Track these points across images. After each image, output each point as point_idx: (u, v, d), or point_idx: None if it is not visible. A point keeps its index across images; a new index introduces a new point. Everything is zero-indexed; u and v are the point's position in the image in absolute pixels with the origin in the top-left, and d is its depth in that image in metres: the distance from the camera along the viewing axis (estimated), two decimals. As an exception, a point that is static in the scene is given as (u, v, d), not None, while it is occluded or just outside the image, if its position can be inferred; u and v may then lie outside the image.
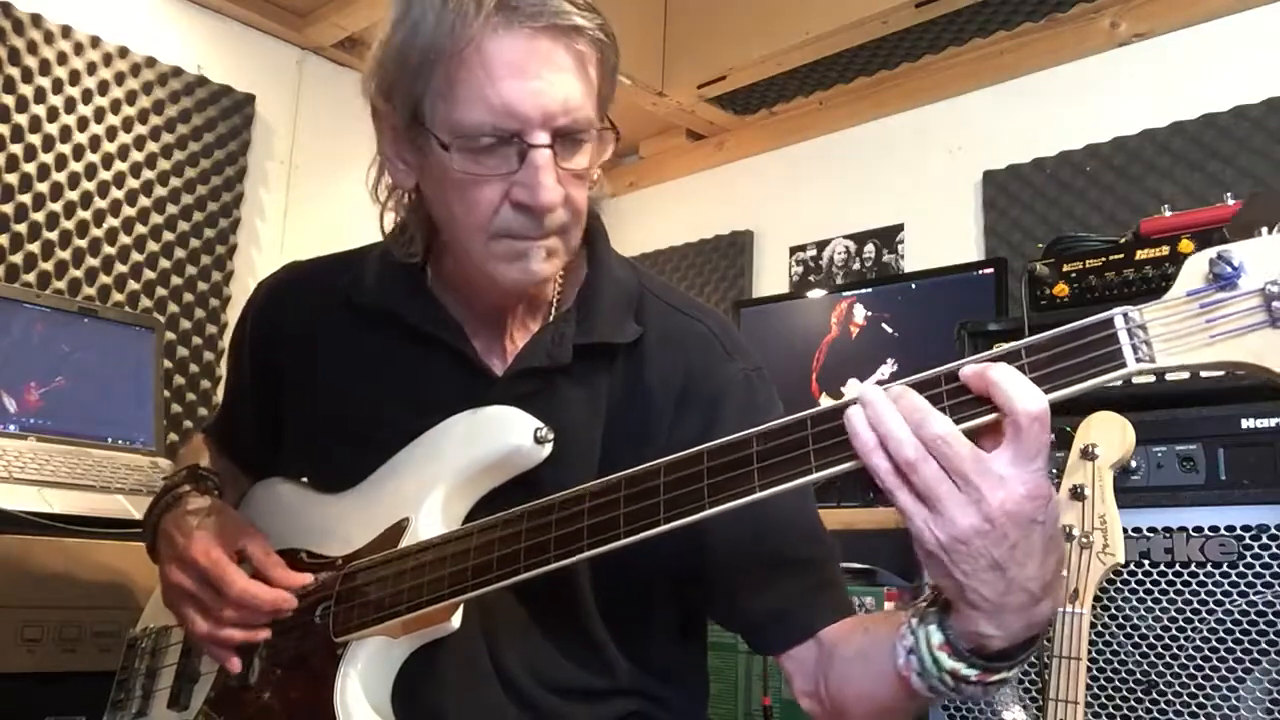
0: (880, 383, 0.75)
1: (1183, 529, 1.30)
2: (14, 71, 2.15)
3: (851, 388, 0.75)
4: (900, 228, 2.59)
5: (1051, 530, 0.73)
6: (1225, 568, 1.26)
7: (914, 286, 2.28)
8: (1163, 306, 0.69)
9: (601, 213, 1.08)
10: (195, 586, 1.01)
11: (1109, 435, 1.27)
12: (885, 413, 0.73)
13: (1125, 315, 0.70)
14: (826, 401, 0.80)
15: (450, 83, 0.88)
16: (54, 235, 2.18)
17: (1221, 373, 1.21)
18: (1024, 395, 0.70)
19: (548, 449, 0.95)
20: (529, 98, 0.87)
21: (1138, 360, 0.69)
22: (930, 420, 0.71)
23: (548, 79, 0.87)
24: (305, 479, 1.14)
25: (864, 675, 0.89)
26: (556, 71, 0.87)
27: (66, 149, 2.22)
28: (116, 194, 2.29)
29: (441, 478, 0.97)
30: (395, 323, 1.05)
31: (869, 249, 2.65)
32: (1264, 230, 1.27)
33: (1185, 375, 0.67)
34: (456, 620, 0.92)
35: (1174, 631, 1.29)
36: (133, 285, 2.31)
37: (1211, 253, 0.69)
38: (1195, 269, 0.70)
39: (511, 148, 0.89)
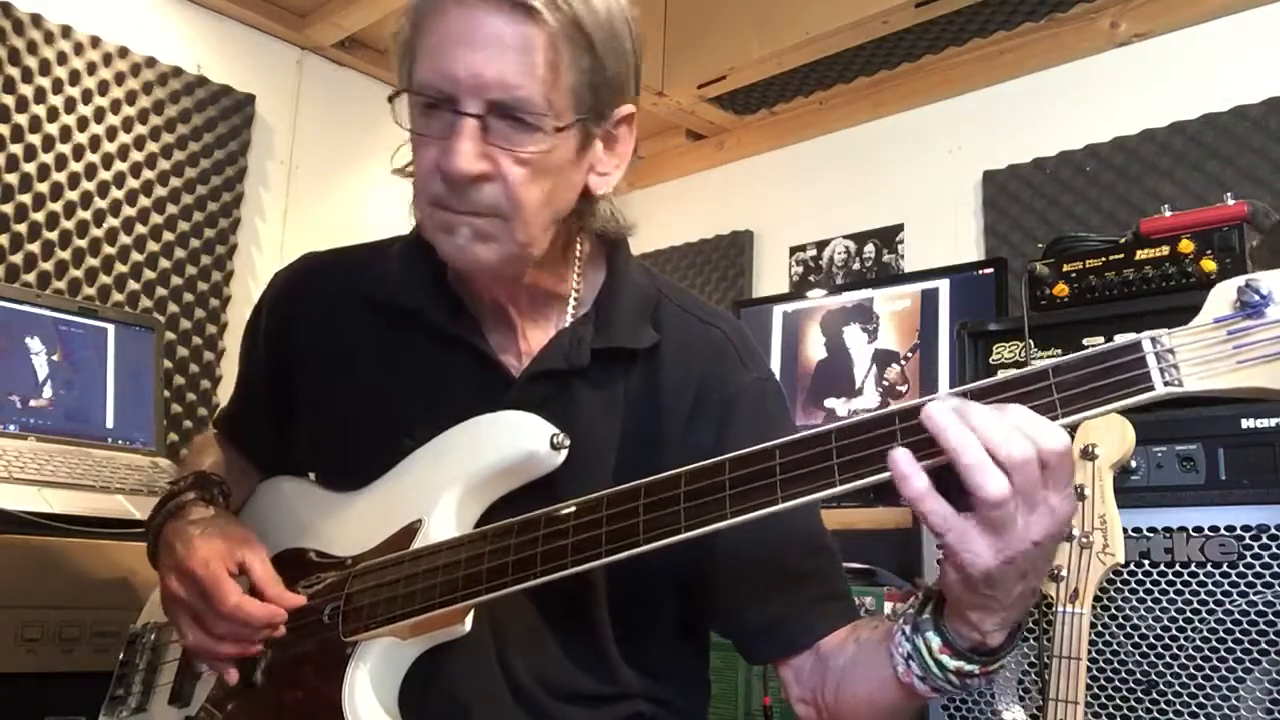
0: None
1: (1183, 529, 1.30)
2: (14, 71, 2.15)
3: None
4: (900, 228, 2.59)
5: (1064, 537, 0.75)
6: (1225, 568, 1.26)
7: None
8: (1190, 332, 0.70)
9: (624, 223, 1.07)
10: (191, 598, 1.00)
11: (1109, 435, 1.27)
12: (996, 433, 0.70)
13: (1153, 339, 0.70)
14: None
15: (419, 47, 0.92)
16: (54, 235, 2.18)
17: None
18: (1048, 437, 0.70)
19: (563, 455, 0.95)
20: (464, 65, 0.88)
21: (1166, 384, 0.69)
22: (1014, 443, 0.69)
23: (486, 51, 0.87)
24: (314, 476, 1.13)
25: (862, 683, 0.90)
26: (498, 46, 0.87)
27: (66, 149, 2.22)
28: (116, 194, 2.29)
29: (456, 481, 0.97)
30: (415, 320, 1.05)
31: (869, 249, 2.64)
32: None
33: (1207, 394, 0.68)
34: (468, 623, 0.92)
35: (1174, 631, 1.29)
36: (133, 285, 2.31)
37: (1240, 281, 0.70)
38: (1223, 296, 0.70)
39: (448, 113, 0.90)
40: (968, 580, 0.74)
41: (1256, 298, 0.69)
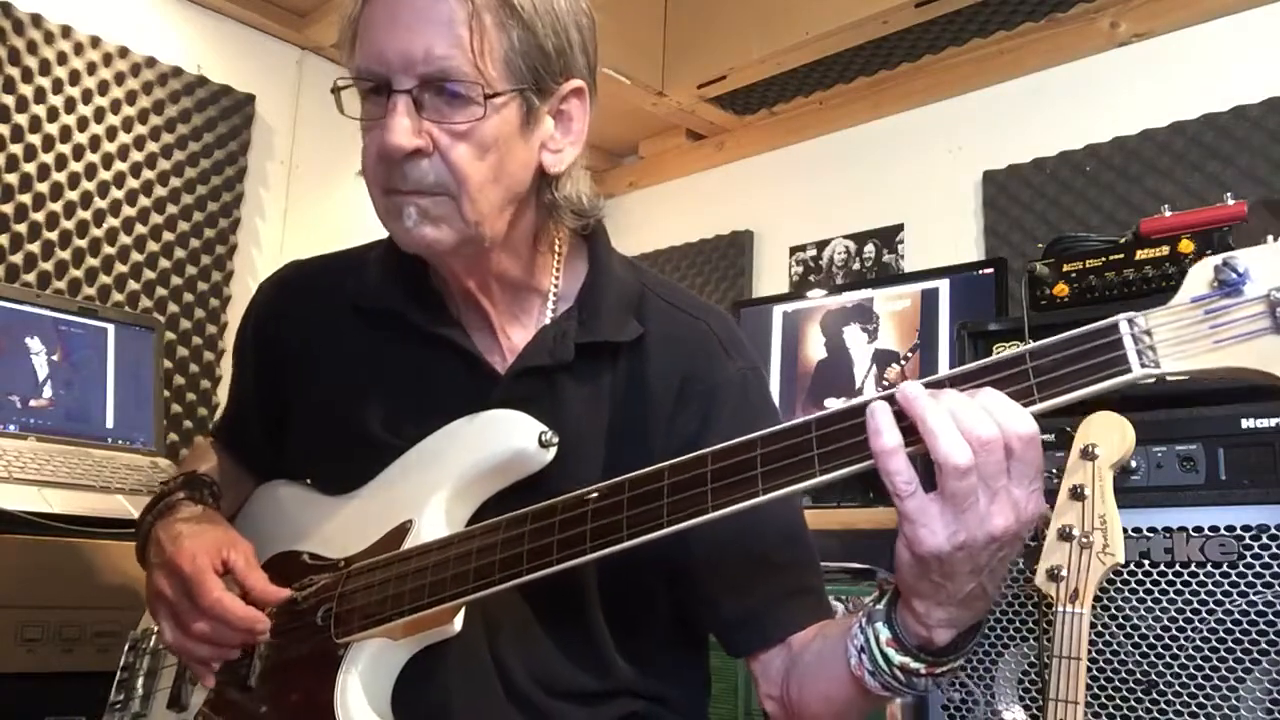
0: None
1: (1183, 529, 1.30)
2: (14, 71, 2.15)
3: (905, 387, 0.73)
4: (900, 228, 2.59)
5: (1022, 543, 0.75)
6: (1225, 568, 1.26)
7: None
8: (1167, 312, 0.69)
9: (603, 213, 1.08)
10: (175, 595, 1.00)
11: (1109, 435, 1.27)
12: (963, 411, 0.70)
13: (1130, 320, 0.69)
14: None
15: (356, 39, 0.94)
16: (54, 235, 2.18)
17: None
18: (1015, 422, 0.70)
19: (552, 453, 0.95)
20: (391, 43, 0.89)
21: (1142, 365, 0.69)
22: (980, 423, 0.70)
23: (412, 28, 0.89)
24: (309, 481, 1.13)
25: (822, 678, 0.91)
26: (423, 22, 0.89)
27: (66, 149, 2.22)
28: (116, 194, 2.29)
29: (445, 481, 0.97)
30: (400, 323, 1.05)
31: (869, 249, 2.64)
32: (1270, 238, 1.28)
33: (1185, 376, 0.67)
34: (458, 623, 0.92)
35: (1174, 631, 1.28)
36: (133, 285, 2.31)
37: (1217, 260, 0.69)
38: (1200, 276, 0.69)
39: (384, 95, 0.91)
40: (920, 561, 0.73)
41: (1234, 276, 0.67)
